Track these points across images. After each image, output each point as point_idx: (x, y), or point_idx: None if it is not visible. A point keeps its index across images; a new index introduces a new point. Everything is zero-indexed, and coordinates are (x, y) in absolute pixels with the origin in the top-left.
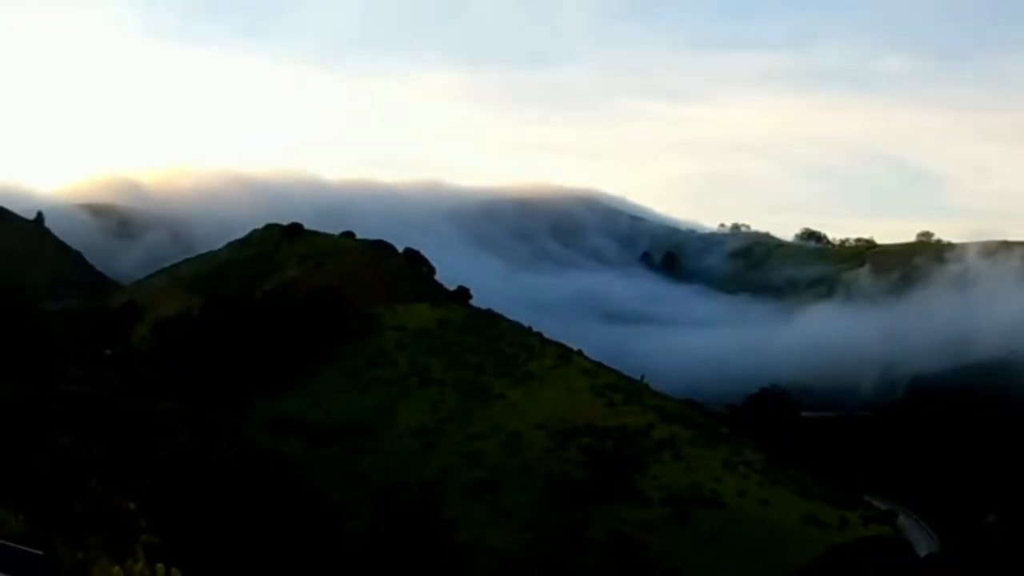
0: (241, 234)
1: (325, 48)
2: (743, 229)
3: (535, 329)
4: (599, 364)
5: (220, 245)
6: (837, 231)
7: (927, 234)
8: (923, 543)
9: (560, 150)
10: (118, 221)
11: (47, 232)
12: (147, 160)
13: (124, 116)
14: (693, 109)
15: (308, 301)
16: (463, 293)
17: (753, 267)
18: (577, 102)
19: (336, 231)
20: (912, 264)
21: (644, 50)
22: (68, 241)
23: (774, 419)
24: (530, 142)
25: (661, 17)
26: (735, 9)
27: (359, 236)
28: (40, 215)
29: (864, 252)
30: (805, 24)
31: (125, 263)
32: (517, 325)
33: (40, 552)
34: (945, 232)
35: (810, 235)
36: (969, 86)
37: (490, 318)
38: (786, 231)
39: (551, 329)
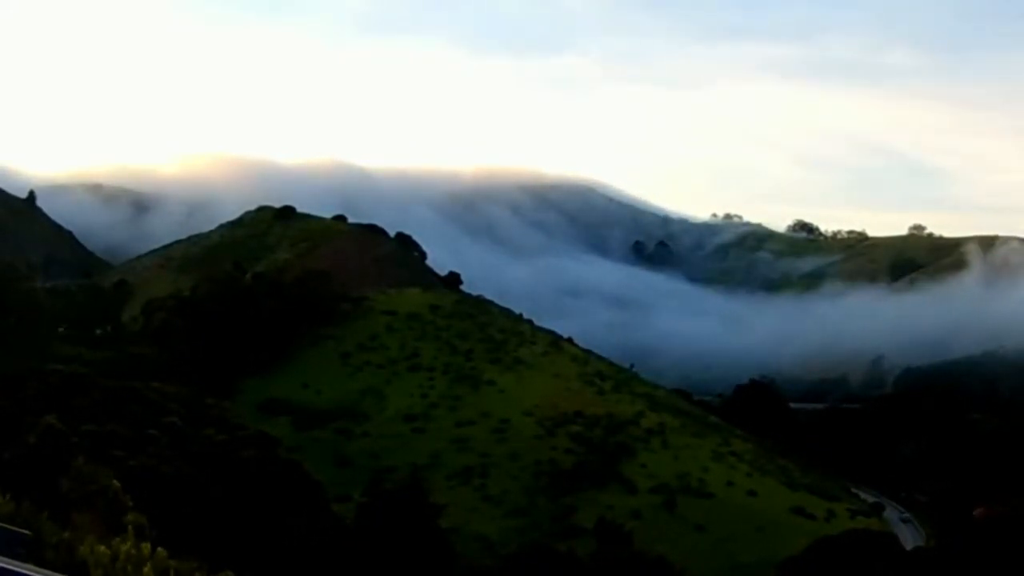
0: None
1: (326, 31)
2: (735, 219)
3: (526, 316)
4: (589, 352)
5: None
6: (832, 223)
7: (919, 227)
8: (909, 536)
9: (556, 137)
10: (116, 202)
11: (39, 211)
12: (148, 144)
13: (125, 101)
14: (692, 98)
15: (299, 284)
16: (454, 278)
17: (744, 257)
18: (576, 89)
19: (328, 214)
20: (903, 257)
21: (648, 38)
22: (63, 222)
23: (762, 410)
24: (526, 128)
25: (667, 5)
26: (743, 0)
27: (351, 220)
28: (32, 194)
29: (855, 244)
30: (812, 16)
31: (122, 244)
32: (508, 311)
33: (28, 532)
34: (940, 226)
35: (802, 227)
36: (971, 81)
37: (481, 304)
38: (780, 222)
39: (542, 316)
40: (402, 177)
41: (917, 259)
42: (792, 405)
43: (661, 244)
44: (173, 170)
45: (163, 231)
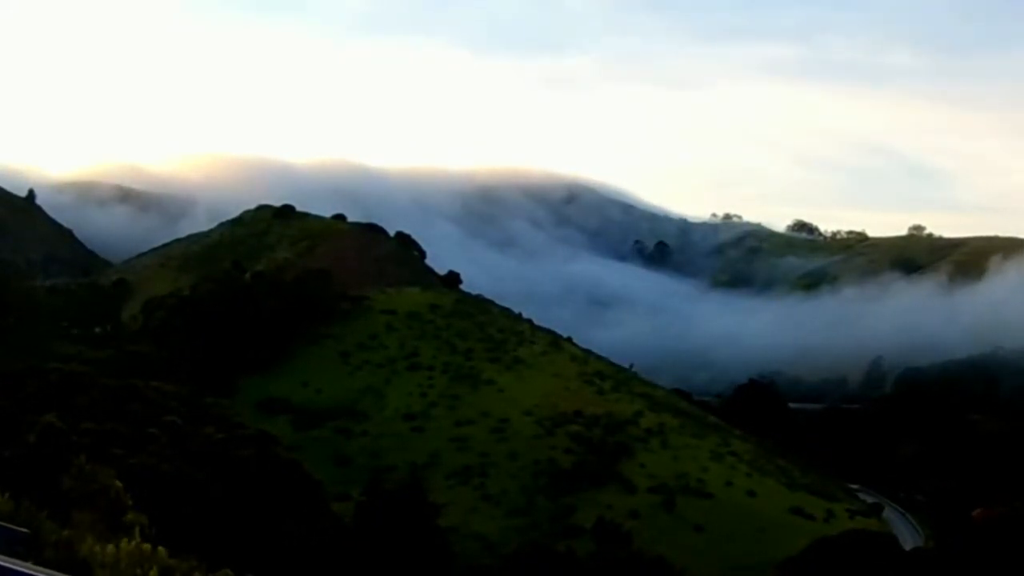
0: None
1: (328, 30)
2: (735, 220)
3: (525, 316)
4: (589, 352)
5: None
6: (831, 223)
7: (919, 228)
8: (909, 537)
9: (557, 136)
10: (119, 202)
11: (39, 210)
12: (153, 144)
13: (129, 101)
14: (692, 98)
15: (299, 282)
16: (454, 277)
17: (744, 258)
18: (577, 89)
19: (327, 213)
20: (903, 258)
21: (648, 38)
22: (63, 221)
23: (762, 410)
24: (527, 128)
25: (667, 6)
26: (744, 1)
27: (351, 219)
28: (31, 192)
29: (855, 245)
30: (812, 16)
31: (125, 243)
32: (507, 311)
33: (27, 531)
34: (940, 226)
35: (802, 227)
36: (971, 82)
37: (480, 303)
38: (780, 222)
39: (542, 316)
40: (409, 177)
41: (917, 259)
42: (792, 405)
43: (661, 244)
44: (180, 170)
45: (168, 230)
